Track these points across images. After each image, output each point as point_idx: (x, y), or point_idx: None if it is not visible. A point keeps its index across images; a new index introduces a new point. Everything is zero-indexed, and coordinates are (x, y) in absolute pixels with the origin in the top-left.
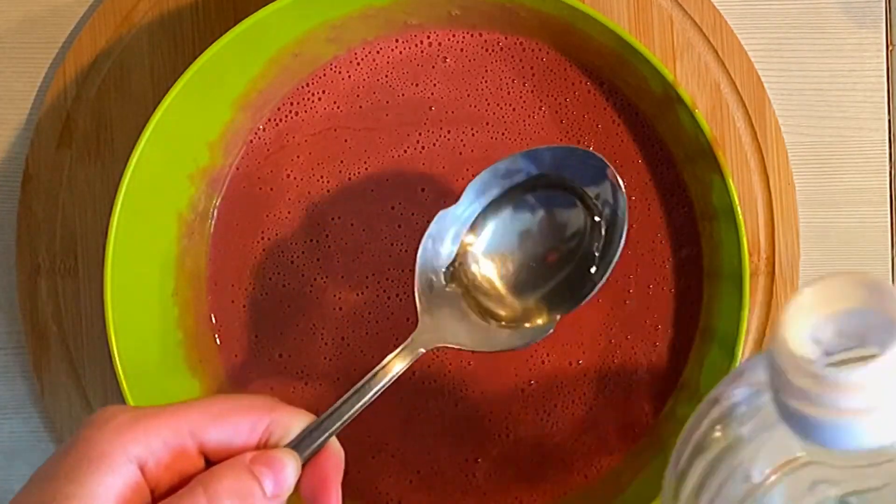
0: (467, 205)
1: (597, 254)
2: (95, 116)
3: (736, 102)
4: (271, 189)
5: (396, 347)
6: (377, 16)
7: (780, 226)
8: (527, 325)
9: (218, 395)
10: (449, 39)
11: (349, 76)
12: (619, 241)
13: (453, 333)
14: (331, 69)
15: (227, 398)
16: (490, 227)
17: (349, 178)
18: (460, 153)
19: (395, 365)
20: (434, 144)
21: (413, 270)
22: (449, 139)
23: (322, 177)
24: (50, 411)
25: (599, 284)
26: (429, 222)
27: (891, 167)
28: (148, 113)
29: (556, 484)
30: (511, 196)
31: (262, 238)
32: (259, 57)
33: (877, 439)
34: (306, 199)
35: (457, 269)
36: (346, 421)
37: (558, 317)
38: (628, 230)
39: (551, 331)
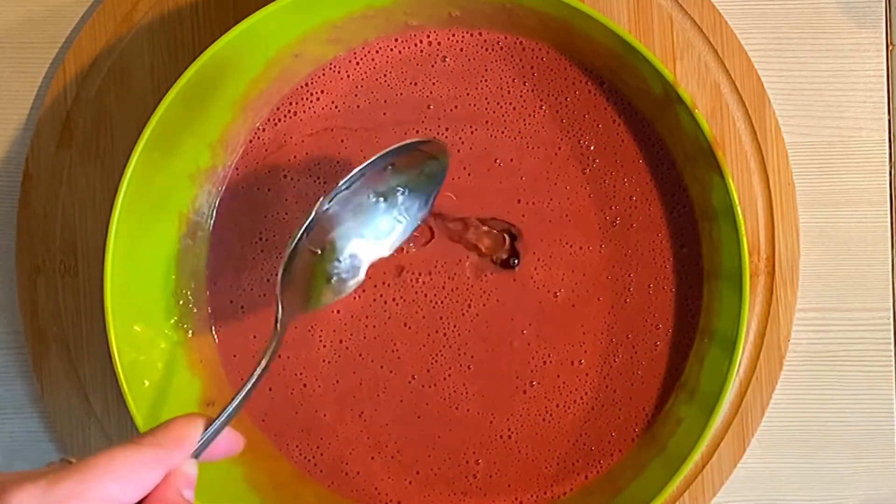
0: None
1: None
2: (95, 116)
3: (736, 102)
4: (269, 190)
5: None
6: (378, 16)
7: (780, 226)
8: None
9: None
10: (448, 39)
11: (348, 76)
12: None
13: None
14: (330, 69)
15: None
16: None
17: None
18: (458, 150)
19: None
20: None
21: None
22: (447, 137)
23: (319, 177)
24: (50, 411)
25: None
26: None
27: (891, 167)
28: (148, 113)
29: (557, 484)
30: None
31: (261, 239)
32: (259, 57)
33: None
34: (304, 200)
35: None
36: (232, 415)
37: None
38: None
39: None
